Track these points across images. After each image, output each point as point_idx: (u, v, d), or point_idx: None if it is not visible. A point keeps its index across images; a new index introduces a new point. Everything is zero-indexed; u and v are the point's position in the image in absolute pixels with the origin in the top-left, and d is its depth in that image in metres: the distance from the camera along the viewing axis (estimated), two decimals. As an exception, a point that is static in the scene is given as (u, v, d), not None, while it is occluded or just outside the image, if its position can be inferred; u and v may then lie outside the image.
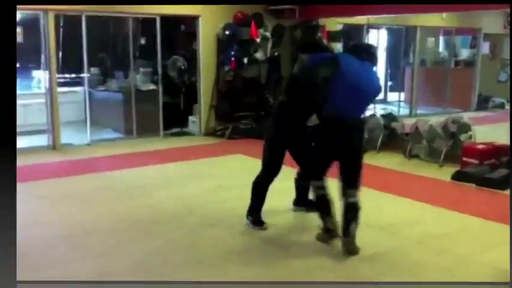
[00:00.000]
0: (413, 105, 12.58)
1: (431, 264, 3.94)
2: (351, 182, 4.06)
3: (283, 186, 4.86)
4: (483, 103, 13.44)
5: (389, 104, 13.30)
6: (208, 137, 9.23)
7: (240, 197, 5.00)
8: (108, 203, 5.39)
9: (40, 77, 8.72)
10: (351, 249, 4.05)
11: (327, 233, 4.25)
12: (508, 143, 6.57)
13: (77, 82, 10.00)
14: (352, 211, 4.03)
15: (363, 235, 4.41)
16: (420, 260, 4.03)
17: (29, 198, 5.50)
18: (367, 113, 9.35)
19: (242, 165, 6.93)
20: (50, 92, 8.00)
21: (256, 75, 9.32)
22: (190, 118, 9.59)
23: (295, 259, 4.04)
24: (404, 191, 5.85)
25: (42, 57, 7.93)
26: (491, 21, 12.99)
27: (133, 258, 4.00)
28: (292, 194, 5.02)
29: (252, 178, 4.61)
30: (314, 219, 4.43)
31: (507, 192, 5.89)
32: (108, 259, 4.00)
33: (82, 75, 8.92)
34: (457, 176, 6.38)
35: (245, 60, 9.04)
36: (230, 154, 7.85)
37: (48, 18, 7.75)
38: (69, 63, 9.68)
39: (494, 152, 6.73)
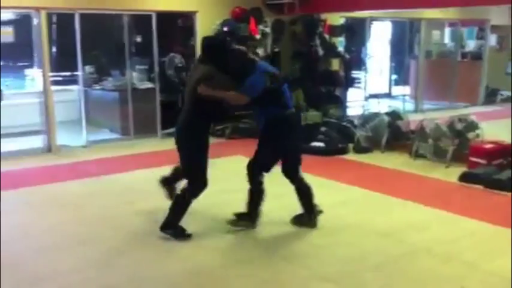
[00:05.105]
0: (419, 99, 12.29)
1: (439, 273, 3.83)
2: (298, 167, 4.58)
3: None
4: (491, 96, 13.16)
5: (394, 98, 13.01)
6: (207, 136, 8.98)
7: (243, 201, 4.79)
8: (105, 209, 5.23)
9: (33, 76, 8.48)
10: (315, 223, 4.60)
11: (247, 219, 4.57)
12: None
13: (72, 81, 9.75)
14: (310, 189, 4.59)
15: (368, 242, 4.40)
16: (428, 268, 3.91)
17: (18, 206, 5.34)
18: (371, 110, 9.12)
19: (242, 167, 6.70)
20: (44, 91, 7.75)
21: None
22: (189, 117, 9.34)
23: (300, 269, 3.90)
24: (411, 194, 5.67)
25: (35, 55, 7.70)
26: (498, 12, 12.61)
27: (130, 270, 3.86)
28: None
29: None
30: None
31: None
32: (105, 271, 3.86)
33: (76, 73, 8.68)
34: (465, 178, 6.19)
35: (244, 57, 8.76)
36: (230, 155, 7.61)
37: (40, 17, 7.49)
38: (63, 61, 9.43)
39: (502, 151, 6.51)
